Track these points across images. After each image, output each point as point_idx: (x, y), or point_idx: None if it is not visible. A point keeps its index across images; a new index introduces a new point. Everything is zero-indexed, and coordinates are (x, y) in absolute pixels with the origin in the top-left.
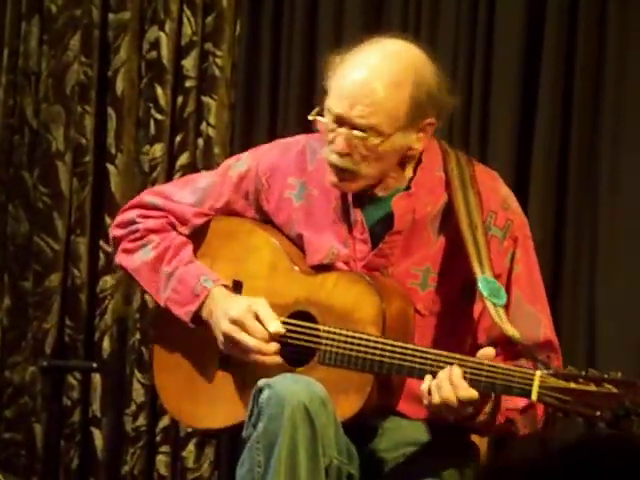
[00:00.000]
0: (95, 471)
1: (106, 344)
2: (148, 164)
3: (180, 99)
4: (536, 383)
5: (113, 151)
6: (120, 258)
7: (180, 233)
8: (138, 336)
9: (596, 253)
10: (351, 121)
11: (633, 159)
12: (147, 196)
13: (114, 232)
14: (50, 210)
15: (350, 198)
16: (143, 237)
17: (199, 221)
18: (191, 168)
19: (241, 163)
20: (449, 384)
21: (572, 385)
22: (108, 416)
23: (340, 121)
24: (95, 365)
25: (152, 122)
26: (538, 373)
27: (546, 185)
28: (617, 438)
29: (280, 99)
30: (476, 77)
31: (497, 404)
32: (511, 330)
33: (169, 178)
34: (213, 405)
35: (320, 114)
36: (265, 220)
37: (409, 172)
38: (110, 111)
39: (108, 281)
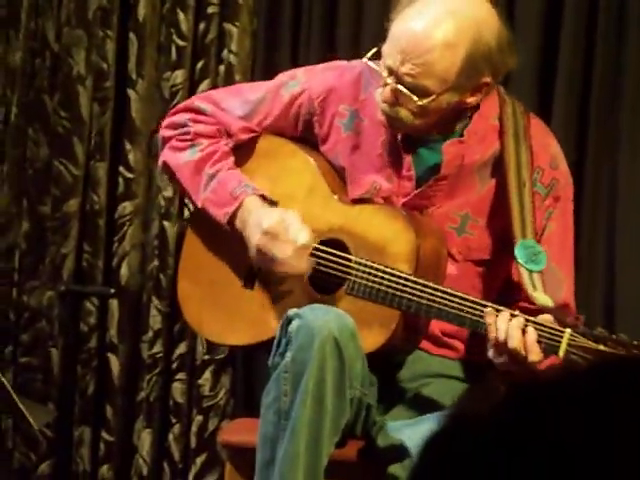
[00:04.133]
0: (111, 397)
1: (124, 270)
2: (169, 90)
3: (202, 25)
4: (565, 340)
5: (134, 77)
6: (166, 155)
7: (226, 144)
8: (156, 263)
9: (616, 198)
10: (400, 77)
11: None
12: (197, 101)
13: (164, 132)
14: (70, 135)
15: (400, 136)
16: (193, 139)
17: (244, 136)
18: None
19: (294, 83)
20: (522, 340)
21: (601, 347)
22: (125, 342)
23: (391, 71)
24: (113, 291)
25: (174, 48)
26: (568, 331)
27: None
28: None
29: (302, 26)
30: None
31: None
32: (542, 299)
33: None
34: (233, 321)
35: (377, 57)
36: (312, 144)
37: (465, 117)
38: (132, 36)
39: (127, 207)
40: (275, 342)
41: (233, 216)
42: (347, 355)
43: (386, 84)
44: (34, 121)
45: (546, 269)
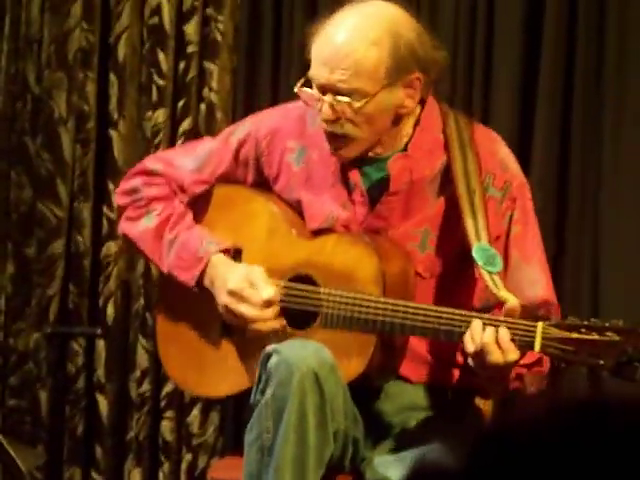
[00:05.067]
0: (100, 437)
1: (110, 310)
2: (150, 130)
3: (182, 64)
4: (539, 334)
5: (115, 117)
6: (124, 227)
7: (181, 201)
8: (142, 302)
9: (599, 204)
10: (334, 86)
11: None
12: (149, 162)
13: (118, 200)
14: (53, 176)
15: (349, 164)
16: (147, 205)
17: (198, 189)
18: (194, 134)
19: (241, 129)
20: (497, 348)
21: (575, 335)
22: (113, 382)
23: (323, 88)
24: (99, 331)
25: (154, 88)
26: (540, 324)
27: (550, 139)
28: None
29: (282, 63)
30: (477, 60)
31: None
32: (506, 296)
33: (172, 144)
34: (218, 373)
35: (306, 85)
36: (266, 186)
37: (407, 131)
38: (112, 77)
39: (112, 247)
40: (256, 379)
41: (200, 277)
42: (327, 389)
43: (323, 102)
44: (17, 164)
45: (519, 272)
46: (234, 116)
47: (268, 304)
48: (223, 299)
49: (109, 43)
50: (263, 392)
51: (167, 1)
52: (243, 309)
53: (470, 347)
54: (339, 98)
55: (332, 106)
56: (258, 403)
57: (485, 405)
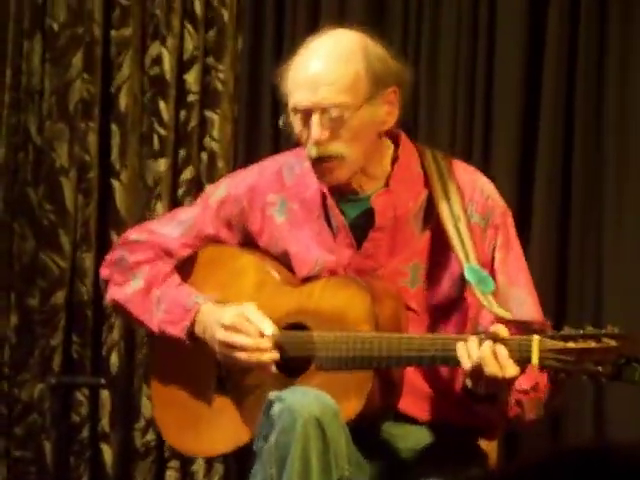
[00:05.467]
0: None
1: (114, 360)
2: (152, 179)
3: (183, 114)
4: (535, 347)
5: (117, 167)
6: (111, 293)
7: (167, 264)
8: (145, 350)
9: (604, 228)
10: (319, 105)
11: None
12: (132, 234)
13: (103, 273)
14: (55, 227)
15: (330, 202)
16: (133, 269)
17: (185, 252)
18: (195, 183)
19: (220, 190)
20: (495, 361)
21: (571, 345)
22: (117, 432)
23: (309, 112)
24: (103, 381)
25: (156, 137)
26: (536, 337)
27: (551, 174)
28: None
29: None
30: (478, 79)
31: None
32: (502, 312)
33: (173, 193)
34: (215, 431)
35: (286, 123)
36: (251, 243)
37: (387, 168)
38: (114, 127)
39: None
40: (258, 426)
41: (191, 327)
42: (330, 435)
43: (310, 126)
44: (19, 215)
45: (507, 296)
46: (235, 165)
47: (266, 337)
48: (218, 335)
49: (110, 93)
50: (266, 439)
51: (167, 51)
52: (239, 341)
53: (467, 363)
54: (326, 113)
55: (321, 124)
56: (261, 450)
57: (490, 448)
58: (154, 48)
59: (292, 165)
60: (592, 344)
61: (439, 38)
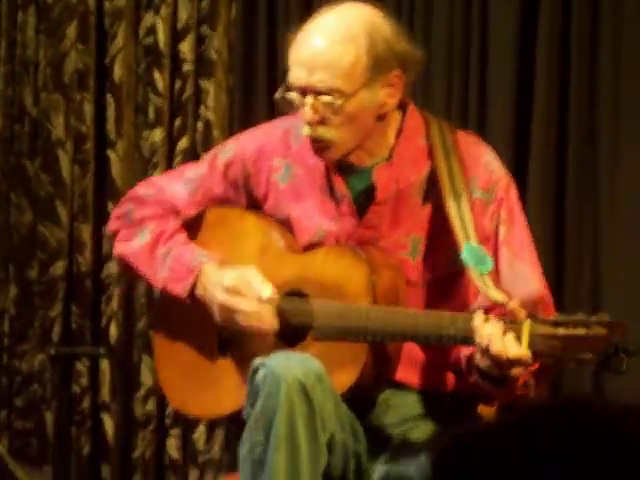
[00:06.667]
0: (106, 457)
1: (113, 330)
2: (148, 149)
3: (178, 83)
4: (525, 332)
5: (113, 137)
6: (118, 248)
7: (174, 221)
8: (145, 320)
9: (600, 219)
10: (314, 88)
11: (634, 126)
12: (140, 189)
13: (110, 226)
14: (52, 198)
15: (333, 172)
16: (139, 224)
17: (192, 212)
18: (191, 152)
19: (227, 151)
20: (502, 342)
21: (561, 331)
22: (117, 401)
23: (304, 91)
24: (103, 351)
25: (151, 107)
26: (526, 322)
27: (546, 161)
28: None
29: (277, 81)
30: (472, 63)
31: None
32: (495, 295)
33: (169, 163)
34: (217, 393)
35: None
36: (256, 206)
37: (391, 140)
38: (109, 98)
39: (113, 267)
40: (246, 393)
41: (193, 287)
42: (315, 398)
43: (304, 104)
44: (16, 186)
45: (512, 270)
46: (231, 133)
47: (267, 301)
48: (219, 297)
49: (105, 64)
50: (252, 406)
51: (162, 20)
52: (240, 304)
53: (480, 340)
54: (320, 98)
55: (314, 107)
56: (249, 417)
57: (488, 414)
58: (148, 18)
59: (299, 128)
60: (582, 331)
61: (432, 17)
